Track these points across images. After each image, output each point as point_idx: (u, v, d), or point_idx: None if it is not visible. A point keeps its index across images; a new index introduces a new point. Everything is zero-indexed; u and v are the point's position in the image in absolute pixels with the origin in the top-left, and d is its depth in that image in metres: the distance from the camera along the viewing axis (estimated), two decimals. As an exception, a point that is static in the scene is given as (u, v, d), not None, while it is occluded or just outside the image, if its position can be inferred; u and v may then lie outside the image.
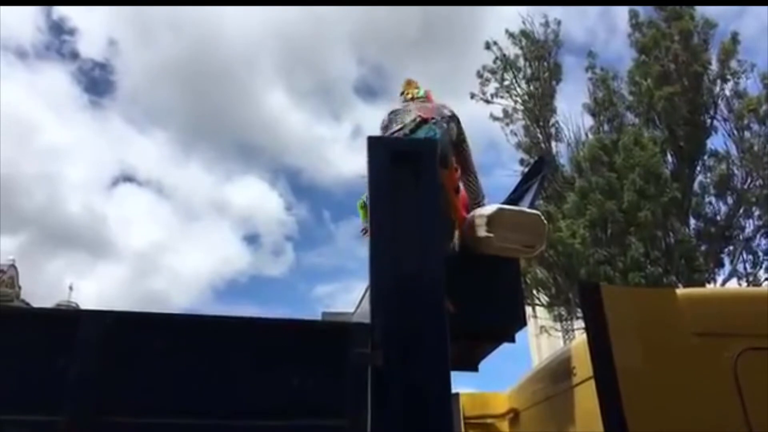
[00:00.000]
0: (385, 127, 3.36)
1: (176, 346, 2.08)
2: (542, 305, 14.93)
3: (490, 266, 3.08)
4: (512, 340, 3.12)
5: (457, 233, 3.03)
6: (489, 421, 4.01)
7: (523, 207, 3.41)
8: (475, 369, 3.49)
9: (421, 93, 3.59)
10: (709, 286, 13.02)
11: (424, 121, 3.12)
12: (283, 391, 2.01)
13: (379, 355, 2.03)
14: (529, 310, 15.66)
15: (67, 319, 2.18)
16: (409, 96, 3.57)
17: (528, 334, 18.84)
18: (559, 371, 3.18)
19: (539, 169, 3.70)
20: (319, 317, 3.89)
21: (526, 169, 3.97)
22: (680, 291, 2.59)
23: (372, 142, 2.41)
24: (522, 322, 3.09)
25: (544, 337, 15.80)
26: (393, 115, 3.39)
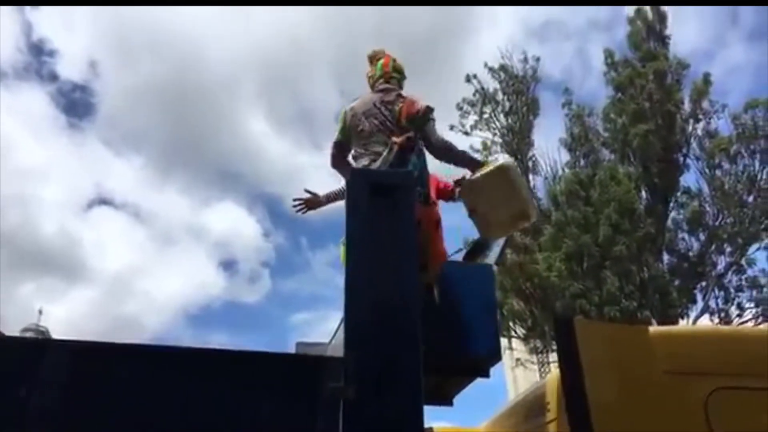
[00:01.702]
0: (353, 119, 3.27)
1: (146, 377, 2.04)
2: (519, 337, 14.92)
3: (467, 300, 3.09)
4: (487, 375, 3.12)
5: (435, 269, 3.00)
6: (463, 456, 3.97)
7: (498, 244, 3.46)
8: (449, 403, 3.47)
9: (378, 70, 3.43)
10: (682, 323, 13.19)
11: (401, 148, 3.01)
12: (255, 424, 1.97)
13: (351, 388, 2.01)
14: (505, 342, 15.64)
15: (33, 348, 2.13)
16: (371, 79, 3.44)
17: (504, 367, 18.81)
18: (533, 407, 3.17)
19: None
20: (293, 347, 3.84)
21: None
22: (653, 328, 2.62)
23: (354, 173, 2.42)
24: (497, 357, 3.09)
25: (521, 370, 15.77)
26: (360, 113, 3.26)
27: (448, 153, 3.20)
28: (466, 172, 3.34)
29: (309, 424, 1.97)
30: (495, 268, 3.44)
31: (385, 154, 3.03)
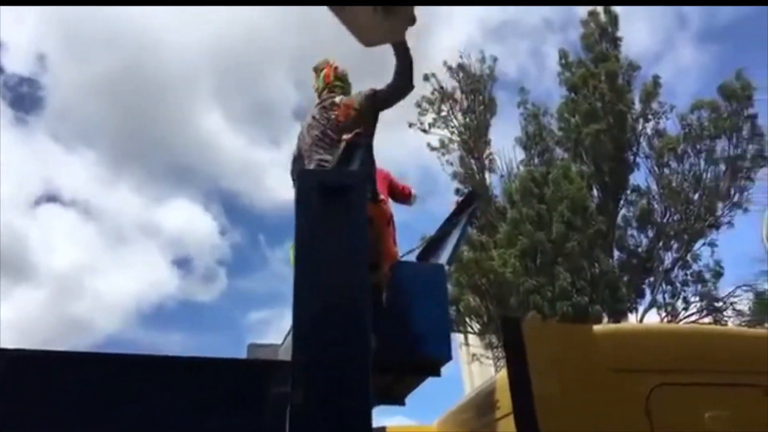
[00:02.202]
0: (300, 137, 3.31)
1: (83, 384, 1.96)
2: (474, 333, 15.12)
3: (418, 300, 3.10)
4: (438, 374, 3.13)
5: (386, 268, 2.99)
6: (414, 454, 3.99)
7: (452, 243, 3.48)
8: (401, 403, 3.48)
9: (320, 82, 3.43)
10: (631, 317, 13.62)
11: (346, 148, 2.98)
12: (198, 429, 1.92)
13: (299, 393, 1.99)
14: (461, 337, 15.84)
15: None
16: (317, 91, 3.44)
17: (460, 362, 19.04)
18: (483, 404, 3.21)
19: (469, 203, 3.77)
20: (246, 348, 3.78)
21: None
22: (598, 327, 2.68)
23: (303, 173, 2.39)
24: (448, 357, 3.11)
25: (476, 365, 15.97)
26: (305, 129, 3.30)
27: (397, 80, 3.10)
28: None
29: (256, 429, 1.94)
30: (447, 267, 3.45)
31: (330, 159, 3.03)
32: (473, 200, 4.17)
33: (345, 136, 3.01)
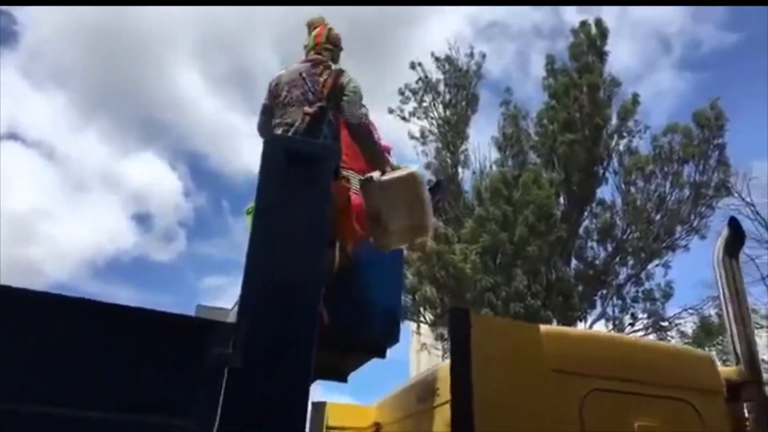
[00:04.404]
0: (276, 87, 3.22)
1: (15, 325, 1.88)
2: (427, 323, 15.28)
3: (373, 281, 3.10)
4: (383, 355, 3.15)
5: (339, 246, 2.96)
6: (351, 433, 4.00)
7: None
8: (344, 380, 3.50)
9: (311, 40, 3.34)
10: (580, 325, 13.93)
11: (313, 119, 2.96)
12: (129, 384, 1.88)
13: (238, 356, 1.96)
14: (414, 326, 15.99)
15: None
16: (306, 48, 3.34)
17: (410, 350, 19.23)
18: (424, 390, 3.24)
19: (435, 193, 3.77)
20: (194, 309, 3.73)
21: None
22: (545, 327, 2.71)
23: (269, 139, 2.35)
24: (394, 339, 3.13)
25: (425, 354, 16.17)
26: (284, 82, 3.20)
27: (363, 136, 3.10)
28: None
29: (188, 389, 1.90)
30: (406, 252, 3.45)
31: (297, 124, 2.97)
32: (441, 190, 4.16)
33: (307, 109, 3.00)
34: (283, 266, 2.16)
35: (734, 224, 3.20)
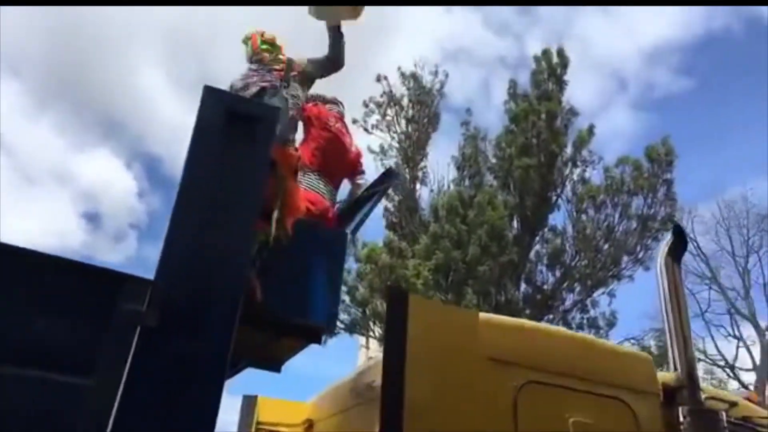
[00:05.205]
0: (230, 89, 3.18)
1: None
2: (375, 338, 15.10)
3: (314, 262, 2.97)
4: (318, 341, 3.01)
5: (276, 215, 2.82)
6: (283, 430, 3.83)
7: (363, 212, 3.39)
8: (277, 370, 3.34)
9: (249, 50, 3.50)
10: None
11: (264, 89, 3.02)
12: (24, 334, 1.70)
13: (152, 315, 1.80)
14: (362, 340, 15.77)
15: None
16: (261, 57, 3.43)
17: (358, 364, 18.97)
18: (359, 384, 3.12)
19: (383, 180, 3.70)
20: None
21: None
22: (484, 315, 2.63)
23: (209, 92, 2.21)
24: (332, 326, 3.00)
25: (371, 371, 15.95)
26: (239, 87, 3.22)
27: (332, 56, 3.41)
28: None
29: (93, 346, 1.73)
30: (350, 236, 3.35)
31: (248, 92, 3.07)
32: (389, 179, 4.13)
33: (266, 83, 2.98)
34: (210, 225, 2.02)
35: (678, 230, 3.23)
